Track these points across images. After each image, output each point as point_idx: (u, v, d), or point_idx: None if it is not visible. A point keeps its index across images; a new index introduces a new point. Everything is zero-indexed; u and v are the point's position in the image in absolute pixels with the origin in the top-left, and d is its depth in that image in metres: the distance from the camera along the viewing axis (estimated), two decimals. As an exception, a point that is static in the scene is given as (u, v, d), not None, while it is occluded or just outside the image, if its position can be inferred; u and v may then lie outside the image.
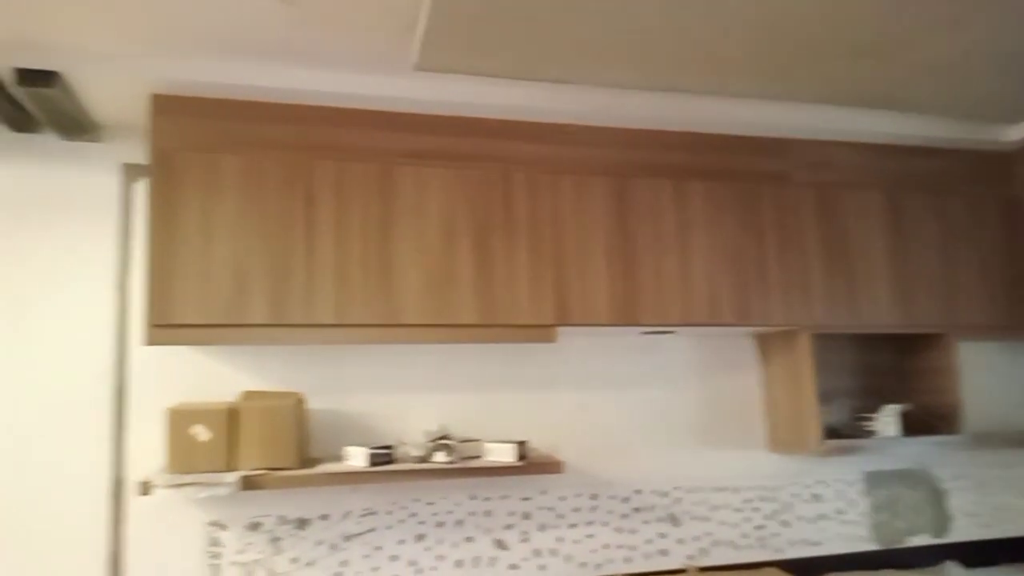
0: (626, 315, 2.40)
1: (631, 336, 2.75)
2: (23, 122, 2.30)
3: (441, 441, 2.28)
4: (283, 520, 2.38)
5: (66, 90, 2.12)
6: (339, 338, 2.17)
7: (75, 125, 2.33)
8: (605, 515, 2.65)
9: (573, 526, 2.62)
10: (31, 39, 1.94)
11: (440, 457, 2.25)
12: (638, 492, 2.70)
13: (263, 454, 2.14)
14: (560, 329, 2.36)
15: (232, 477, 2.06)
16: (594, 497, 2.65)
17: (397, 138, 2.30)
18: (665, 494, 2.73)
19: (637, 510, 2.69)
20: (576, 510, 2.63)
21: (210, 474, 2.09)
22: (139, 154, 2.39)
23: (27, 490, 2.22)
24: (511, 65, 2.15)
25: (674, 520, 2.72)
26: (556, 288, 2.35)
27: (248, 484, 2.07)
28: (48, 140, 2.39)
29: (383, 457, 2.22)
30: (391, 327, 2.20)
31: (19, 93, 2.09)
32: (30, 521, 2.21)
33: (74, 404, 2.29)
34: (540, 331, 2.32)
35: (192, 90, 2.16)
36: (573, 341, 2.70)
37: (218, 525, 2.33)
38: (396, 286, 2.22)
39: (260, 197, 2.17)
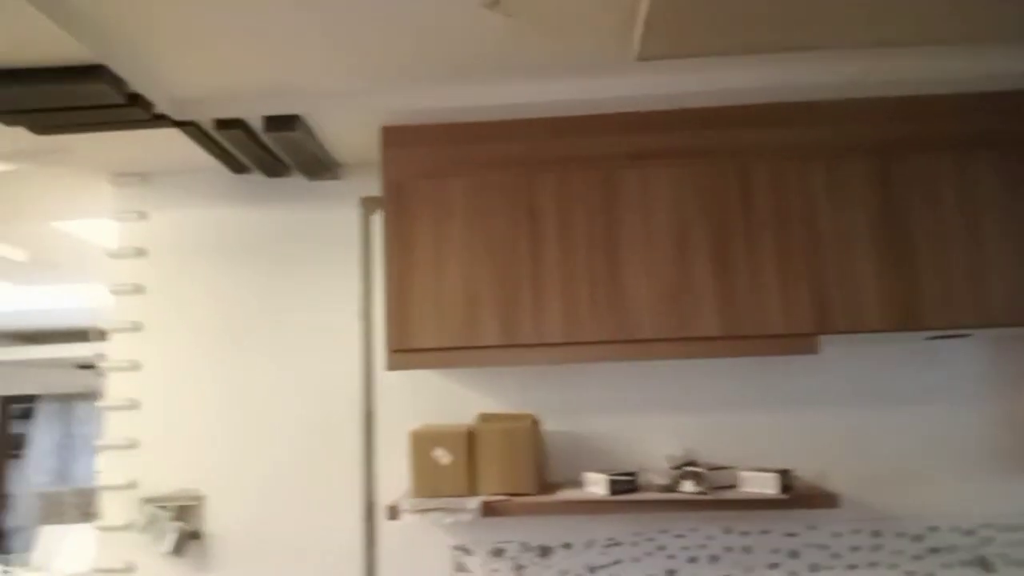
0: (903, 319, 2.00)
1: (909, 343, 2.32)
2: (275, 167, 2.50)
3: (688, 468, 2.06)
4: (526, 547, 2.31)
5: (307, 132, 2.26)
6: (569, 357, 2.05)
7: (318, 165, 2.49)
8: (892, 556, 2.24)
9: (852, 567, 2.24)
10: (274, 86, 2.09)
11: (688, 487, 2.03)
12: (933, 529, 2.25)
13: (502, 478, 2.08)
14: (822, 338, 2.03)
15: (474, 503, 2.02)
16: (876, 534, 2.25)
17: (619, 140, 2.15)
18: (970, 532, 2.24)
19: (934, 551, 2.24)
20: (855, 549, 2.25)
21: (453, 499, 2.07)
22: (375, 187, 2.49)
23: (286, 512, 2.38)
24: (746, 37, 1.90)
25: (986, 565, 2.22)
26: (813, 291, 2.03)
27: (489, 510, 2.01)
28: (297, 182, 2.58)
29: (625, 485, 2.06)
30: (624, 343, 2.04)
31: (268, 139, 2.26)
32: (289, 542, 2.36)
33: (329, 429, 2.42)
34: (798, 341, 2.01)
35: (418, 118, 2.19)
36: (836, 351, 2.34)
37: (463, 550, 2.32)
38: (627, 299, 2.05)
39: (486, 217, 2.14)
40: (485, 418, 2.23)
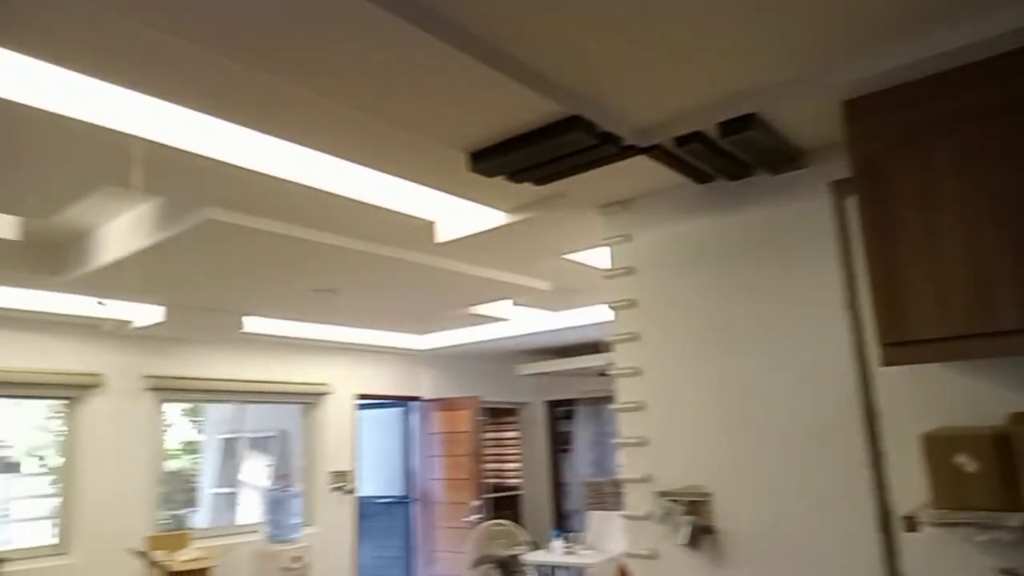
0: None
1: None
2: (737, 170, 2.52)
3: None
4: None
5: (764, 128, 2.22)
6: None
7: (780, 158, 2.42)
8: None
9: None
10: (723, 92, 2.11)
11: None
12: None
13: (1056, 493, 1.68)
14: None
15: (1017, 520, 1.68)
16: None
17: None
18: None
19: None
20: None
21: (988, 513, 1.75)
22: (843, 169, 2.31)
23: (794, 515, 2.32)
24: None
25: None
26: None
27: (1039, 531, 1.64)
28: (762, 179, 2.55)
29: None
30: None
31: (726, 144, 2.29)
32: (801, 546, 2.29)
33: (827, 429, 2.29)
34: None
35: (880, 84, 1.96)
36: None
37: (1011, 574, 1.93)
38: None
39: (988, 175, 1.78)
40: (1018, 419, 1.84)
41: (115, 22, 1.66)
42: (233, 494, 8.47)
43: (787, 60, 1.94)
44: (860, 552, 2.18)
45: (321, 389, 6.81)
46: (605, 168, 2.48)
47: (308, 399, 6.82)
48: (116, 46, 1.78)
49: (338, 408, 6.96)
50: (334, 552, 6.52)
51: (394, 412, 7.98)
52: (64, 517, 5.21)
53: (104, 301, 4.76)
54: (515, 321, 6.21)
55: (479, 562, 5.93)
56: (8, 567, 4.02)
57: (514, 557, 5.62)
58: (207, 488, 9.25)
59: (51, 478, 10.88)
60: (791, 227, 2.46)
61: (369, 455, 7.83)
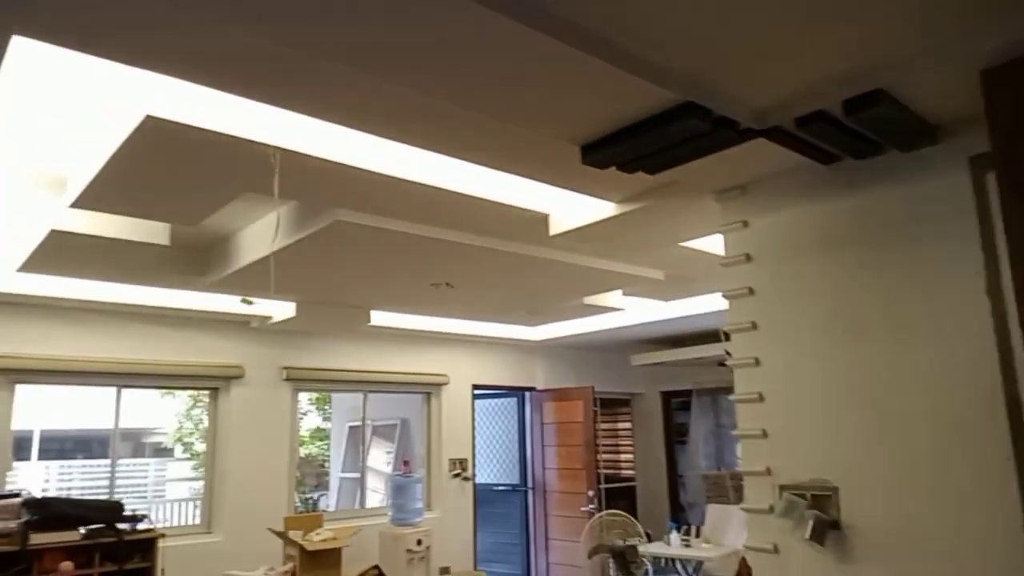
0: None
1: None
2: (864, 148, 2.41)
3: None
4: None
5: (892, 103, 2.11)
6: None
7: (911, 134, 2.29)
8: None
9: None
10: (846, 69, 2.02)
11: None
12: None
13: None
14: None
15: None
16: None
17: None
18: None
19: None
20: None
21: None
22: (983, 143, 2.16)
23: (930, 511, 2.20)
24: None
25: None
26: None
27: None
28: (892, 157, 2.42)
29: None
30: None
31: (851, 122, 2.20)
32: (937, 546, 2.17)
33: (964, 420, 2.16)
34: None
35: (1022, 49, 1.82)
36: None
37: None
38: None
39: None
40: None
41: (280, 52, 1.80)
42: (359, 479, 8.92)
43: (921, 28, 1.83)
44: (1003, 554, 2.04)
45: (440, 379, 7.04)
46: (723, 153, 2.44)
47: (428, 389, 7.08)
48: (274, 70, 1.94)
49: (456, 398, 7.18)
50: (454, 536, 6.74)
51: (509, 402, 8.13)
52: (209, 498, 5.68)
53: (250, 299, 5.13)
54: (629, 311, 6.18)
55: (595, 551, 5.96)
56: (164, 543, 4.46)
57: (631, 547, 5.61)
58: (335, 473, 9.77)
59: (194, 463, 11.85)
60: (925, 206, 2.33)
61: (486, 444, 8.04)
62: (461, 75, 1.91)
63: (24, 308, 4.87)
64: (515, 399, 8.09)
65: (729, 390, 2.85)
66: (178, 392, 11.72)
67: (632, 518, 6.33)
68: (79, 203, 3.07)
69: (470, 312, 6.26)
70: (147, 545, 4.31)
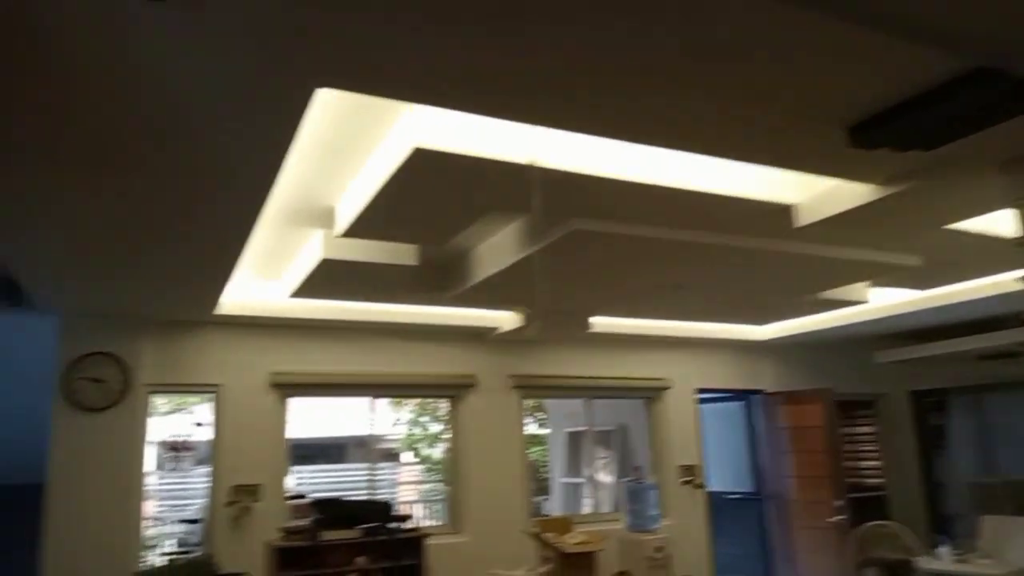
0: None
1: None
2: None
3: None
4: None
5: None
6: None
7: None
8: None
9: None
10: None
11: None
12: None
13: None
14: None
15: None
16: None
17: None
18: None
19: None
20: None
21: None
22: None
23: None
24: None
25: None
26: None
27: None
28: None
29: None
30: None
31: None
32: None
33: None
34: None
35: None
36: None
37: None
38: None
39: None
40: None
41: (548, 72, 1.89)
42: (579, 484, 9.03)
43: None
44: None
45: (661, 384, 6.93)
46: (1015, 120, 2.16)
47: (649, 393, 7.00)
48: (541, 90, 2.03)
49: (679, 402, 7.02)
50: (689, 545, 6.58)
51: (736, 406, 7.80)
52: (453, 500, 6.03)
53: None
54: (873, 303, 5.67)
55: (863, 564, 5.50)
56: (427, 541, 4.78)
57: (905, 562, 5.10)
58: (557, 478, 9.98)
59: (424, 467, 12.71)
60: None
61: (714, 450, 7.77)
62: (739, 74, 1.87)
63: (295, 330, 5.51)
64: (740, 403, 7.74)
65: (1004, 386, 2.49)
66: (405, 401, 12.61)
67: (906, 529, 5.76)
68: (349, 233, 3.41)
69: (694, 313, 6.10)
70: (414, 543, 4.66)
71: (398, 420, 13.37)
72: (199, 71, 1.96)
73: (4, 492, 5.36)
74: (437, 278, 4.73)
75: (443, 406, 11.76)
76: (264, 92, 2.05)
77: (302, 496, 4.62)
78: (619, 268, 4.21)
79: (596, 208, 3.22)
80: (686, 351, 7.09)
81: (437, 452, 13.20)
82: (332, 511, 4.46)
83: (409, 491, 12.75)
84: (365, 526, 4.53)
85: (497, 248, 4.12)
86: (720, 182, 3.06)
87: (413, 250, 4.17)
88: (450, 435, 6.24)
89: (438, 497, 9.06)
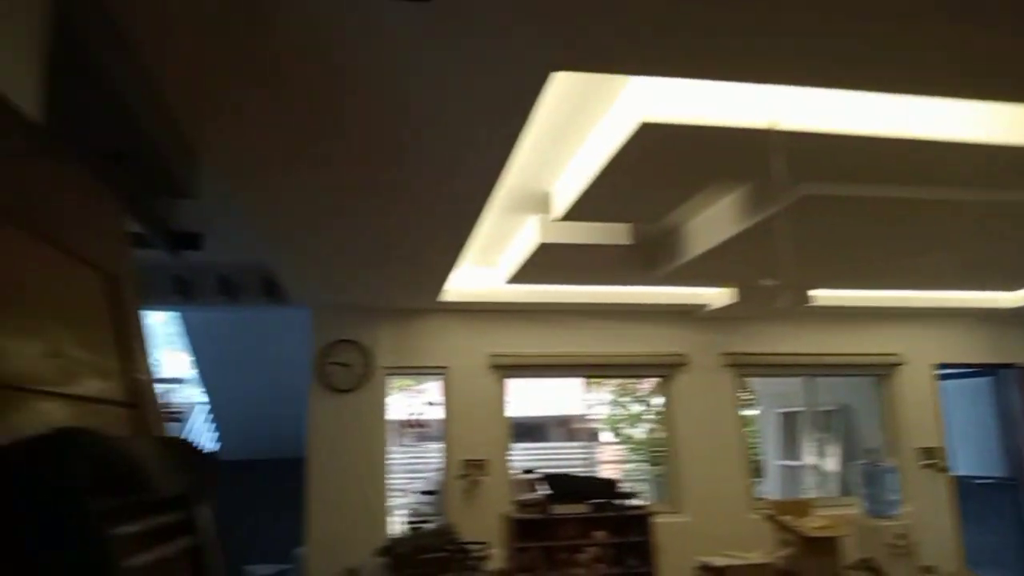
0: None
1: None
2: None
3: None
4: None
5: None
6: None
7: None
8: None
9: None
10: None
11: None
12: None
13: None
14: None
15: None
16: None
17: None
18: None
19: None
20: None
21: None
22: None
23: None
24: None
25: None
26: None
27: None
28: None
29: None
30: None
31: None
32: None
33: None
34: None
35: None
36: None
37: None
38: None
39: None
40: None
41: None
42: (795, 467, 8.56)
43: None
44: None
45: (894, 359, 6.38)
46: None
47: (880, 371, 6.47)
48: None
49: (915, 379, 6.42)
50: (933, 533, 6.00)
51: (983, 382, 6.98)
52: (671, 480, 5.99)
53: None
54: None
55: None
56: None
57: None
58: (771, 460, 9.54)
59: (628, 447, 12.68)
60: None
61: (959, 430, 7.01)
62: None
63: (510, 314, 5.76)
64: (988, 379, 6.91)
65: None
66: (605, 382, 12.66)
67: None
68: (568, 216, 3.50)
69: (935, 280, 5.54)
70: (641, 520, 4.71)
71: (599, 401, 13.48)
72: (436, 71, 2.09)
73: (276, 465, 6.18)
74: (648, 257, 4.71)
75: (644, 386, 11.63)
76: (498, 80, 2.14)
77: (530, 471, 4.84)
78: (846, 235, 3.93)
79: (837, 168, 3.02)
80: (922, 323, 6.46)
81: (639, 432, 13.13)
82: (562, 486, 4.62)
83: (611, 471, 12.87)
84: (594, 501, 4.64)
85: (712, 222, 4.01)
86: (969, 130, 2.75)
87: (626, 229, 4.18)
88: (657, 415, 6.20)
89: (642, 477, 9.04)
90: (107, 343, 1.18)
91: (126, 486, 0.91)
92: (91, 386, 1.08)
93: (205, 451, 1.19)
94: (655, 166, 2.90)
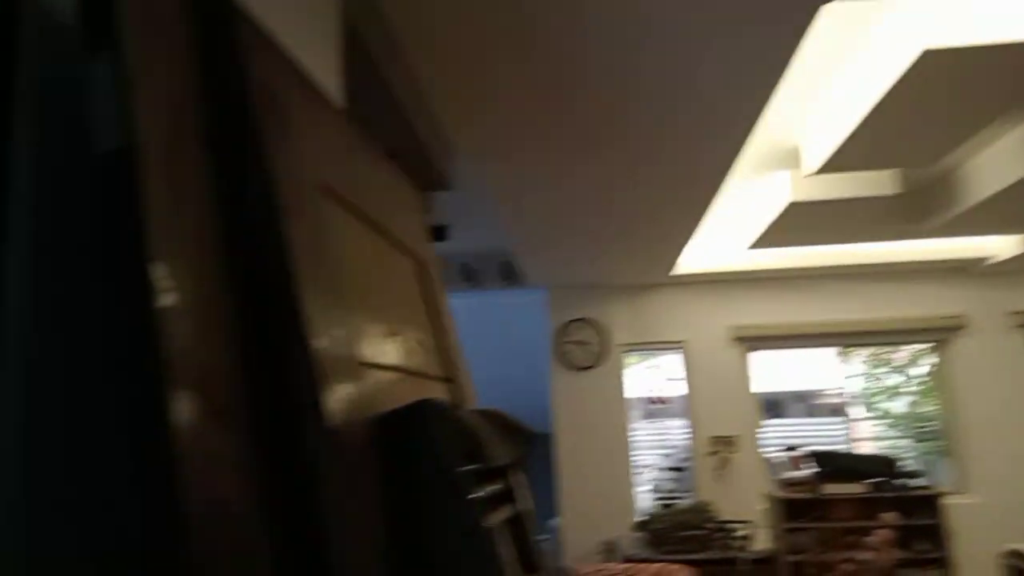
0: None
1: None
2: None
3: None
4: None
5: None
6: None
7: None
8: None
9: None
10: None
11: None
12: None
13: None
14: None
15: None
16: None
17: None
18: None
19: None
20: None
21: None
22: None
23: None
24: None
25: None
26: None
27: None
28: None
29: None
30: None
31: None
32: None
33: None
34: None
35: None
36: None
37: None
38: None
39: None
40: None
41: None
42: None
43: None
44: None
45: None
46: None
47: None
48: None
49: None
50: None
51: None
52: (954, 459, 5.29)
53: None
54: None
55: None
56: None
57: None
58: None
59: (882, 422, 11.47)
60: None
61: None
62: None
63: (753, 283, 5.44)
64: None
65: None
66: (856, 351, 11.59)
67: None
68: (825, 168, 3.19)
69: None
70: (927, 502, 4.24)
71: (850, 373, 12.38)
72: (694, 23, 1.97)
73: (523, 440, 6.42)
74: (918, 206, 4.18)
75: (900, 355, 10.46)
76: (761, 24, 1.97)
77: (793, 448, 4.55)
78: None
79: None
80: None
81: (897, 406, 11.89)
82: (833, 464, 4.29)
83: (863, 447, 11.74)
84: (871, 480, 4.24)
85: (1000, 160, 3.45)
86: None
87: (893, 177, 3.73)
88: (920, 386, 5.50)
89: (906, 454, 8.16)
90: (424, 324, 1.25)
91: (471, 455, 0.94)
92: (422, 362, 1.14)
93: (521, 423, 1.21)
94: (935, 101, 2.53)
